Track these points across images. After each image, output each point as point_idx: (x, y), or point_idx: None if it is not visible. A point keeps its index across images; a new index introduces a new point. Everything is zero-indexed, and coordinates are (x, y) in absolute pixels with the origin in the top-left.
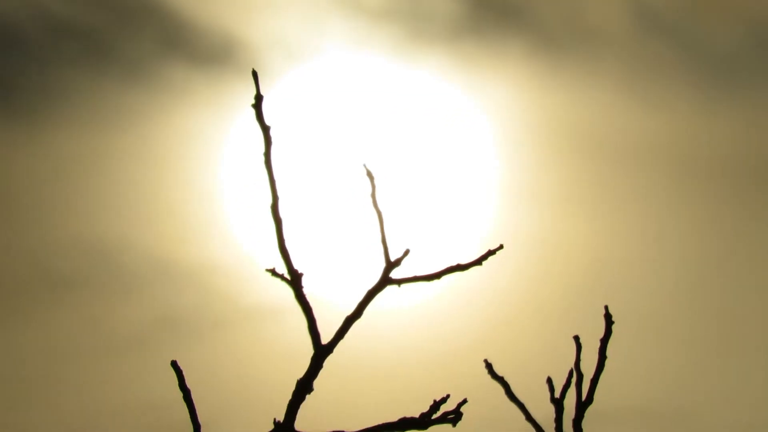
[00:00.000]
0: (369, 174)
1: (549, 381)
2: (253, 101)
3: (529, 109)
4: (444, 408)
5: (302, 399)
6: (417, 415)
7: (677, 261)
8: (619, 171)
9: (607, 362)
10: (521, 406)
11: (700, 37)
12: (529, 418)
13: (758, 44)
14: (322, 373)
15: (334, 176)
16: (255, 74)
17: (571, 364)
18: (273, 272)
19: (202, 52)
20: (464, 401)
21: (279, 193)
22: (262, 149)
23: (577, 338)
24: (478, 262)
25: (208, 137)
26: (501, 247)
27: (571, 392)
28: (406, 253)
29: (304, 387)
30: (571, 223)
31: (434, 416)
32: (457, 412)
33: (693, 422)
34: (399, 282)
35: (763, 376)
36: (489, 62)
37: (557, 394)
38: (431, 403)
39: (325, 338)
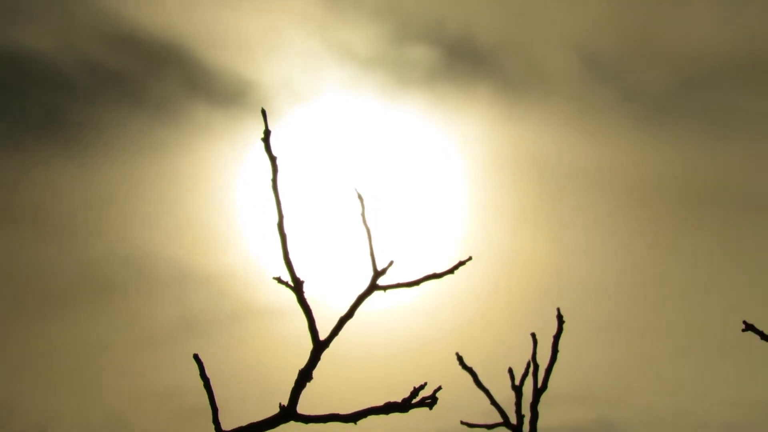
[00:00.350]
0: (359, 197)
1: (510, 371)
2: (262, 135)
3: (494, 142)
4: (422, 394)
5: (303, 386)
6: (399, 400)
7: (617, 269)
8: (568, 193)
9: (558, 355)
10: (487, 392)
11: (636, 81)
12: (493, 402)
13: (684, 87)
14: (320, 365)
15: (329, 198)
16: (264, 112)
17: (529, 356)
18: (279, 280)
19: (220, 93)
20: (439, 388)
21: (284, 213)
22: (270, 176)
23: (533, 335)
24: (450, 271)
25: (225, 165)
26: (470, 258)
27: (529, 380)
28: (391, 263)
29: (304, 376)
30: (528, 237)
31: (414, 401)
32: (433, 397)
33: (626, 402)
34: (384, 288)
35: (682, 362)
36: (460, 102)
37: (517, 382)
38: (411, 389)
39: (323, 335)
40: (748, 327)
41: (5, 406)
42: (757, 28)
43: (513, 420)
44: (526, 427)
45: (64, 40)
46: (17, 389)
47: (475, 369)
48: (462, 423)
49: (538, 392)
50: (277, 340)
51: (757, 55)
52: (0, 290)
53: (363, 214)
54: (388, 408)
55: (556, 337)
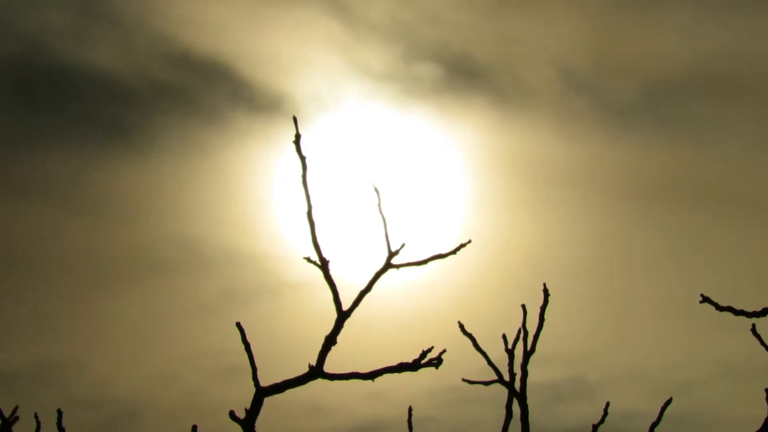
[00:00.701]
0: (376, 190)
1: (504, 336)
2: (293, 138)
3: (488, 144)
4: (429, 356)
5: (329, 350)
6: (410, 361)
7: (591, 250)
8: (550, 186)
9: (544, 323)
10: (484, 354)
11: (606, 92)
12: (490, 363)
13: (647, 97)
14: (343, 332)
15: (350, 191)
16: (295, 119)
17: (520, 324)
18: (308, 259)
19: (258, 103)
20: (444, 351)
21: (312, 203)
22: (300, 172)
23: (523, 306)
24: (453, 252)
25: (262, 163)
26: (469, 241)
27: (520, 344)
28: (403, 246)
29: (330, 341)
30: (518, 224)
31: (422, 361)
32: (439, 358)
33: (596, 362)
34: (398, 266)
35: (644, 329)
36: (460, 111)
37: (510, 346)
38: (420, 352)
39: (345, 306)
40: (705, 299)
41: (78, 364)
42: (709, 47)
43: (506, 377)
44: (517, 383)
45: (129, 58)
46: (89, 350)
47: (474, 335)
48: (463, 380)
49: (527, 354)
50: (306, 311)
51: (710, 70)
52: (76, 268)
53: (379, 205)
54: (401, 367)
55: (543, 308)
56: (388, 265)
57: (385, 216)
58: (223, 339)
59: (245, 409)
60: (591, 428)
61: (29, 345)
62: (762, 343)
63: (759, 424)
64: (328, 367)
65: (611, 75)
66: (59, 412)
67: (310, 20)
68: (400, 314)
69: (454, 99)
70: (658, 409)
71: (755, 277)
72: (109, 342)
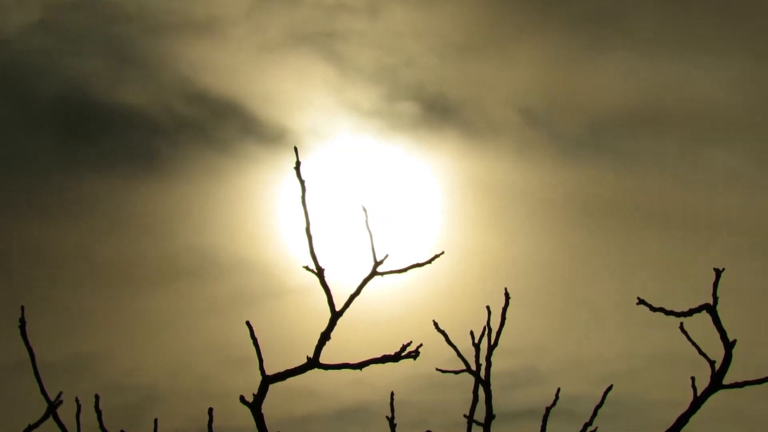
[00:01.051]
0: (363, 209)
1: (471, 333)
2: (294, 165)
3: (459, 170)
4: (408, 349)
5: (323, 344)
6: (392, 353)
7: (546, 261)
8: (511, 207)
9: (506, 322)
10: (455, 348)
11: (557, 125)
12: (459, 355)
13: (593, 130)
14: (336, 329)
15: (342, 210)
16: (296, 149)
17: (485, 322)
18: (307, 268)
19: (265, 135)
20: (420, 345)
21: (310, 220)
22: (300, 194)
23: (488, 307)
24: (429, 261)
25: (268, 186)
26: (442, 252)
27: (485, 340)
28: (386, 256)
29: (324, 337)
30: (484, 238)
31: (403, 354)
32: (416, 351)
33: (546, 354)
34: (382, 273)
35: (588, 326)
36: (434, 142)
37: (476, 341)
38: (401, 346)
39: (338, 307)
40: (641, 301)
41: (110, 355)
42: (644, 87)
43: (473, 367)
44: (482, 372)
45: (154, 97)
46: (119, 343)
47: (446, 331)
48: (437, 369)
49: (491, 348)
50: (304, 311)
51: (645, 107)
52: (109, 273)
53: (366, 222)
54: (384, 359)
55: (504, 309)
56: (374, 273)
57: (371, 231)
58: (233, 334)
59: (253, 394)
60: (545, 410)
61: (69, 339)
62: (688, 338)
63: (686, 407)
64: (323, 359)
65: (561, 111)
66: (96, 397)
67: (308, 65)
68: (383, 314)
69: (430, 132)
70: (601, 394)
71: (682, 282)
72: (136, 336)
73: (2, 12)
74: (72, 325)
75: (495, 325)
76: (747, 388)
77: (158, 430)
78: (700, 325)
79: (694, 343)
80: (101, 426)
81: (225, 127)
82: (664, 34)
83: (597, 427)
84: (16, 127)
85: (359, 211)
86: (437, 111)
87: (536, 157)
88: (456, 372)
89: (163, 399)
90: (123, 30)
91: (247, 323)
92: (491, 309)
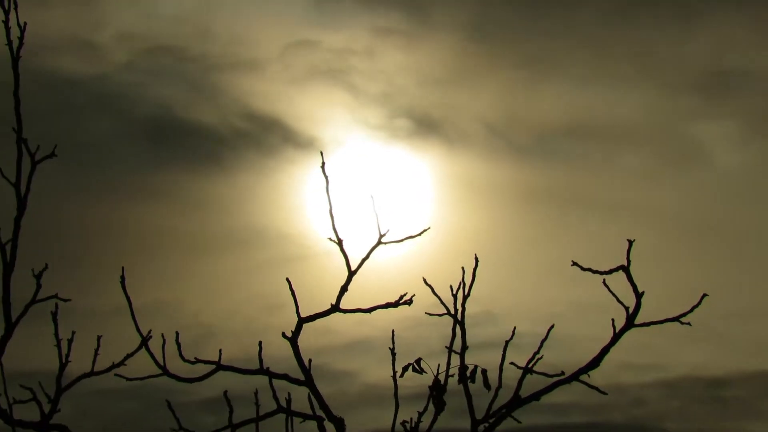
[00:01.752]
0: (371, 197)
1: (450, 287)
2: (321, 164)
3: (441, 168)
4: (404, 298)
5: (342, 294)
6: (393, 301)
7: (503, 233)
8: (479, 195)
9: (475, 278)
10: (439, 297)
11: (513, 136)
12: (442, 302)
13: (539, 140)
14: (351, 284)
15: (356, 197)
16: (321, 153)
17: (461, 279)
18: (330, 239)
19: (299, 142)
20: (413, 295)
21: (332, 204)
22: (324, 185)
23: (463, 268)
24: (419, 234)
25: (302, 179)
26: (429, 228)
27: (461, 292)
28: (387, 231)
29: (343, 289)
30: (461, 217)
31: (400, 302)
32: (410, 300)
33: (501, 300)
34: (385, 243)
35: (529, 281)
36: (424, 148)
37: (454, 292)
38: (399, 296)
39: (353, 267)
40: (574, 263)
41: (180, 303)
42: (581, 107)
43: (452, 311)
44: (459, 316)
45: (219, 115)
46: (187, 293)
47: (433, 286)
48: (426, 313)
49: (465, 297)
50: (328, 270)
51: (581, 122)
52: (183, 243)
53: (373, 205)
54: (387, 305)
55: (474, 269)
56: (378, 243)
57: (377, 212)
58: (274, 288)
59: (291, 332)
60: (504, 343)
61: (154, 290)
62: (609, 291)
63: (607, 341)
64: (342, 306)
65: (515, 126)
66: (177, 333)
67: (329, 92)
68: (386, 273)
69: (420, 141)
70: (545, 332)
71: (604, 249)
72: (202, 288)
73: (105, 54)
74: (156, 280)
75: (468, 281)
76: (652, 326)
77: (221, 357)
78: (618, 281)
79: (613, 294)
80: (180, 354)
81: (269, 137)
82: (589, 69)
83: (543, 355)
84: (118, 138)
85: (368, 198)
86: (425, 126)
87: (498, 159)
88: (440, 315)
89: (221, 335)
90: (192, 67)
91: (287, 279)
92: (465, 269)
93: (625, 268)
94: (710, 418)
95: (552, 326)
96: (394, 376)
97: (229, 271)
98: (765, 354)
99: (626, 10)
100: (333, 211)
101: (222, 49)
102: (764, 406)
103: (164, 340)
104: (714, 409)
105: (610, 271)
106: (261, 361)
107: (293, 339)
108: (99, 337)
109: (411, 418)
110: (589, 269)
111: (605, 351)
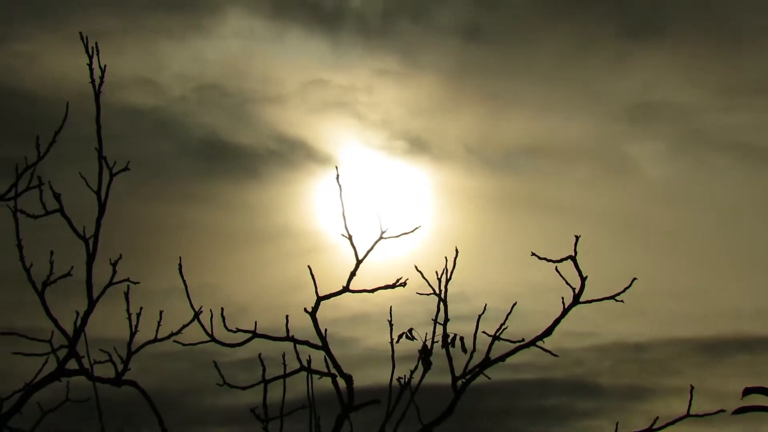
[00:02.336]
0: (377, 204)
1: (436, 272)
2: (336, 175)
3: (431, 179)
4: (400, 281)
5: (351, 278)
6: (391, 283)
7: (478, 229)
8: (461, 199)
9: (456, 265)
10: (427, 281)
11: (487, 154)
12: (429, 285)
13: (507, 157)
14: (358, 270)
15: (363, 202)
16: (336, 167)
17: (444, 266)
18: (342, 235)
19: (319, 159)
20: (407, 279)
21: (345, 206)
22: (339, 192)
23: (446, 258)
24: (412, 231)
25: (321, 188)
26: (420, 226)
27: (444, 277)
28: (387, 228)
29: (352, 274)
30: (446, 217)
31: (396, 284)
32: (404, 282)
33: (473, 282)
34: (386, 238)
35: (499, 269)
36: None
37: (439, 276)
38: (395, 279)
39: (360, 257)
40: (533, 254)
41: (221, 286)
42: (537, 131)
43: (437, 291)
44: (443, 295)
45: (255, 137)
46: (226, 277)
47: (422, 271)
48: (417, 293)
49: (447, 281)
50: (341, 259)
51: (537, 142)
52: (226, 237)
53: (377, 209)
54: (386, 287)
55: (455, 258)
56: (380, 238)
57: (379, 214)
58: (299, 272)
59: (311, 307)
60: (477, 317)
61: (202, 275)
62: (560, 275)
63: (558, 315)
64: (351, 287)
65: (488, 145)
66: (222, 309)
67: (341, 119)
68: (385, 262)
69: (413, 157)
70: (509, 308)
71: (556, 243)
72: (239, 273)
73: (164, 90)
74: (205, 267)
75: (449, 268)
76: (593, 303)
77: (256, 327)
78: (567, 267)
79: (563, 278)
80: (224, 325)
81: (294, 155)
82: (544, 101)
83: (507, 326)
84: (176, 156)
85: (372, 202)
86: (416, 146)
87: (473, 172)
88: (427, 294)
89: (256, 310)
90: (232, 100)
91: (308, 267)
92: (447, 258)
93: (573, 258)
94: (634, 375)
95: (515, 303)
96: (391, 342)
97: (262, 259)
98: (677, 324)
99: (574, 54)
100: (345, 213)
101: (255, 85)
102: (675, 365)
103: (211, 315)
104: (637, 368)
105: (561, 260)
106: (287, 330)
107: (313, 313)
108: (161, 312)
109: (404, 375)
110: (545, 258)
111: (556, 323)
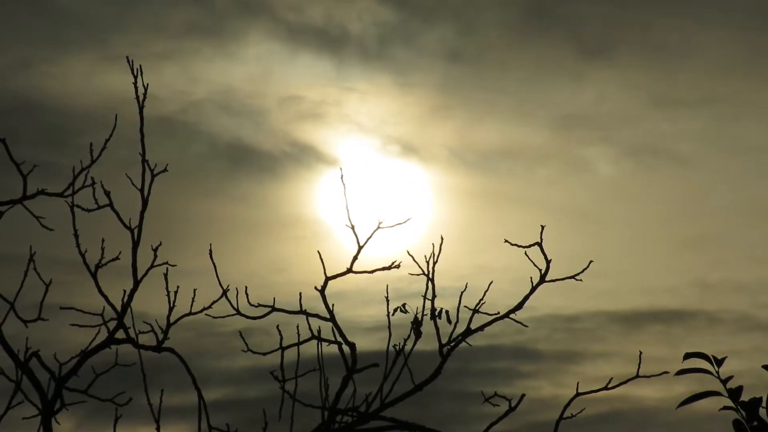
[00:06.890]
0: (377, 205)
1: (425, 257)
2: (340, 176)
3: (426, 177)
4: (395, 264)
5: (354, 261)
6: (387, 266)
7: (463, 220)
8: (447, 196)
9: (441, 252)
10: (418, 265)
11: (470, 158)
12: (419, 267)
13: (485, 158)
14: (360, 255)
15: (364, 197)
16: (341, 168)
17: (431, 251)
18: (346, 225)
19: (326, 161)
20: (401, 262)
21: (348, 201)
22: (342, 189)
23: (433, 244)
24: (405, 221)
25: (327, 185)
26: (410, 218)
27: (431, 260)
28: (384, 220)
29: (354, 258)
30: (441, 212)
31: (392, 266)
32: (398, 265)
33: (455, 265)
34: (383, 228)
35: (477, 255)
36: (411, 163)
37: (427, 260)
38: (391, 262)
39: (361, 243)
40: (506, 241)
41: (245, 268)
42: (504, 136)
43: (426, 272)
44: (431, 275)
45: (272, 142)
46: (250, 261)
47: (414, 256)
48: (409, 273)
49: (434, 263)
50: (344, 246)
51: (511, 146)
52: (246, 227)
53: (376, 204)
54: (384, 268)
55: (440, 245)
56: (378, 227)
57: (377, 207)
58: (309, 256)
59: (321, 286)
60: (459, 294)
61: (229, 259)
62: (529, 259)
63: (527, 292)
64: (354, 268)
65: (469, 149)
66: (246, 287)
67: (345, 127)
68: (382, 247)
69: (406, 158)
70: (486, 285)
71: (526, 231)
72: (260, 257)
73: (196, 101)
74: (232, 253)
75: (436, 252)
76: (558, 282)
77: (275, 302)
78: (534, 252)
79: (532, 261)
80: (247, 301)
81: (306, 156)
82: (515, 112)
83: (485, 301)
84: (207, 158)
85: (371, 197)
86: (408, 149)
87: (456, 171)
88: (417, 275)
89: (274, 288)
90: (254, 109)
91: (318, 252)
92: (434, 245)
93: (539, 244)
94: (566, 342)
95: (491, 282)
96: (387, 315)
97: (279, 245)
98: (602, 299)
99: (538, 72)
100: (348, 206)
101: (272, 98)
102: (600, 334)
103: (237, 292)
104: (569, 336)
105: (529, 246)
106: (300, 305)
107: (322, 291)
108: (194, 290)
109: (398, 343)
110: (516, 244)
111: (526, 299)
